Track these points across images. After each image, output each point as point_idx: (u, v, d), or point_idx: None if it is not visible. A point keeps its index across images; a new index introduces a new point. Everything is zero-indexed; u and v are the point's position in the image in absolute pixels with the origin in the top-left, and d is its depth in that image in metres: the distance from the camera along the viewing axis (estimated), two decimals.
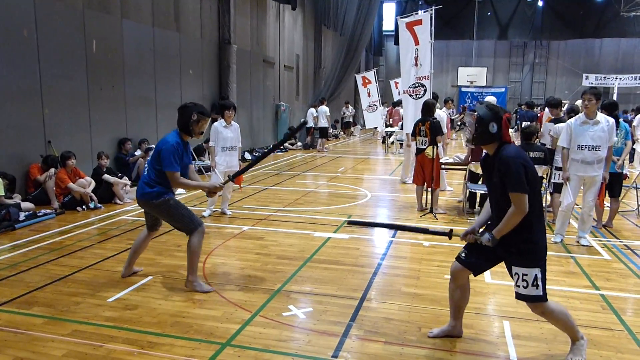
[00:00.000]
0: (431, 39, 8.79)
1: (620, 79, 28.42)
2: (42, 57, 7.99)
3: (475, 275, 3.50)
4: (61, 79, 8.39)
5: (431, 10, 8.97)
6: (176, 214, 4.42)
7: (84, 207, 7.70)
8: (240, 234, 6.41)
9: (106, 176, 8.20)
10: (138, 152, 9.94)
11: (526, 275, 3.12)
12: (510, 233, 3.13)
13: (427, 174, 7.72)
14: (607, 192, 6.77)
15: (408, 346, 3.52)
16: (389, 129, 17.57)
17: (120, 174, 8.81)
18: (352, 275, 4.95)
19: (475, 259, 3.38)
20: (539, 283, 3.11)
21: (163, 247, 5.83)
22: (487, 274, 5.00)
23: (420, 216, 7.57)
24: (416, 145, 7.94)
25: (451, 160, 8.33)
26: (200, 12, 12.71)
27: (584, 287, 4.74)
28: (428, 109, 7.80)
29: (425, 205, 7.91)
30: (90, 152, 9.03)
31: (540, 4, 29.57)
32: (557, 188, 6.89)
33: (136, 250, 4.82)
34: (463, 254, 3.44)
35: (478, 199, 7.98)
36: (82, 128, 8.93)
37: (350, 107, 23.29)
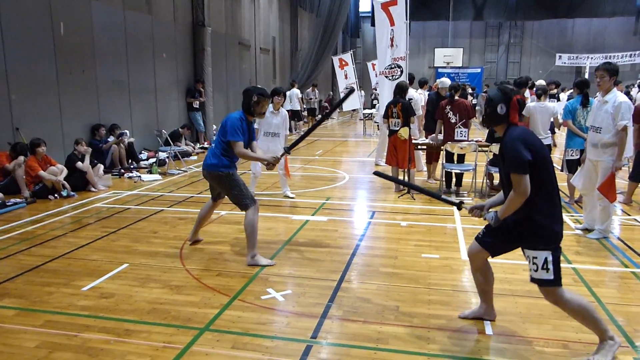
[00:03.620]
0: (407, 20, 8.74)
1: (592, 58, 28.83)
2: (6, 40, 7.71)
3: (492, 257, 3.43)
4: (28, 63, 8.12)
5: None
6: (235, 187, 4.77)
7: (56, 195, 7.53)
8: (218, 219, 6.36)
9: (79, 164, 8.01)
10: (111, 139, 9.74)
11: (536, 258, 3.06)
12: (520, 216, 3.09)
13: (399, 154, 7.74)
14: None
15: (386, 325, 3.55)
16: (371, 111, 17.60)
17: (95, 161, 8.62)
18: (331, 257, 4.96)
19: (492, 239, 3.34)
20: (550, 267, 3.02)
21: (139, 234, 5.76)
22: (462, 251, 5.07)
23: (398, 197, 7.61)
24: (388, 127, 7.95)
25: (427, 141, 8.36)
26: None
27: None
28: (400, 91, 7.80)
29: (402, 186, 7.95)
30: (61, 139, 8.82)
31: None
32: None
33: (202, 219, 5.28)
34: (481, 233, 3.42)
35: (454, 179, 8.05)
36: (52, 114, 8.69)
37: (317, 91, 21.41)
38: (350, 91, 5.65)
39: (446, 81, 8.95)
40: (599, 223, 5.53)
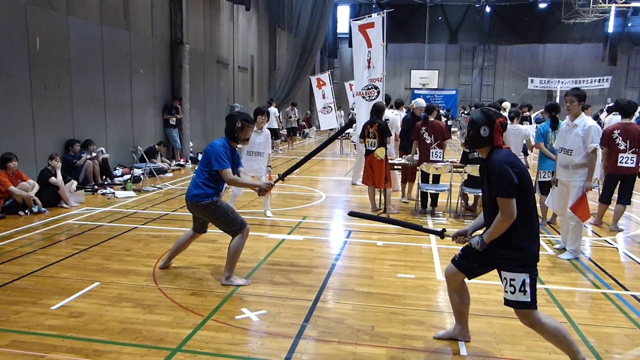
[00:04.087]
0: (383, 42, 8.90)
1: (562, 82, 29.78)
2: None
3: (469, 279, 3.44)
4: (0, 77, 7.98)
5: (383, 13, 9.08)
6: (221, 216, 4.61)
7: (26, 211, 7.35)
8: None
9: (53, 179, 7.85)
10: (85, 154, 9.57)
11: (514, 280, 3.05)
12: (499, 238, 3.10)
13: (376, 175, 7.81)
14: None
15: (361, 345, 3.54)
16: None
17: (68, 177, 8.44)
18: (307, 277, 4.94)
19: (469, 262, 3.35)
20: (527, 289, 3.03)
21: (112, 251, 5.64)
22: (438, 271, 5.11)
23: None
24: (365, 147, 8.03)
25: (403, 161, 8.45)
26: (151, 10, 12.40)
27: None
28: (376, 111, 7.91)
29: (379, 206, 7.99)
30: (33, 154, 8.63)
31: (487, 10, 30.56)
32: None
33: (178, 248, 5.06)
34: (457, 256, 3.43)
35: (429, 199, 8.14)
36: (25, 128, 8.52)
37: (296, 110, 20.71)
38: (351, 121, 5.69)
39: (421, 102, 9.09)
40: (570, 243, 5.67)
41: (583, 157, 5.42)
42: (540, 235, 6.48)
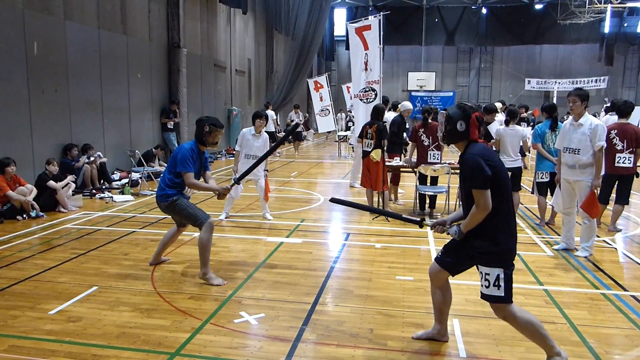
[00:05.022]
0: (380, 44, 8.93)
1: (559, 83, 29.84)
2: None
3: (452, 276, 3.48)
4: None
5: (380, 16, 9.11)
6: (184, 213, 4.85)
7: (24, 216, 7.34)
8: (191, 241, 6.27)
9: (51, 182, 7.85)
10: (83, 158, 9.56)
11: (488, 274, 3.11)
12: (475, 233, 3.16)
13: (373, 176, 7.81)
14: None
15: (360, 348, 3.54)
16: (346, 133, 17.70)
17: (66, 175, 8.43)
18: (305, 280, 4.93)
19: (451, 259, 3.39)
20: (501, 284, 3.08)
21: (110, 255, 5.63)
22: None
23: (373, 218, 7.65)
24: (362, 147, 8.04)
25: (401, 163, 8.46)
26: (149, 14, 12.41)
27: (528, 283, 4.91)
28: (377, 113, 7.92)
29: (377, 207, 7.99)
30: (31, 158, 8.62)
31: (484, 11, 30.63)
32: None
33: (165, 244, 5.30)
34: (439, 254, 3.47)
35: (428, 201, 8.14)
36: (23, 133, 8.51)
37: (301, 113, 19.88)
38: (295, 126, 6.02)
39: (407, 104, 9.11)
40: (584, 241, 5.76)
41: (591, 156, 5.49)
42: (538, 235, 6.49)
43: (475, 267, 3.33)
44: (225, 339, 3.64)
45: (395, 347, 3.56)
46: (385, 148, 7.87)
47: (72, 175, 8.60)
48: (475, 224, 3.12)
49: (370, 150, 7.78)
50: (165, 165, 12.20)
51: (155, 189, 9.79)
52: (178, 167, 4.78)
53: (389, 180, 9.38)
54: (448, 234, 3.33)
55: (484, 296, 3.19)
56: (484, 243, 3.13)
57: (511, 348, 3.55)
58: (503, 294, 3.10)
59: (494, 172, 3.07)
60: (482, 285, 3.17)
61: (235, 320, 3.97)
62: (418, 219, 3.56)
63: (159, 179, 10.54)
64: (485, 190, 3.04)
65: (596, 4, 24.41)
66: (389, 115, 9.53)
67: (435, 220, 3.48)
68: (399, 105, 9.56)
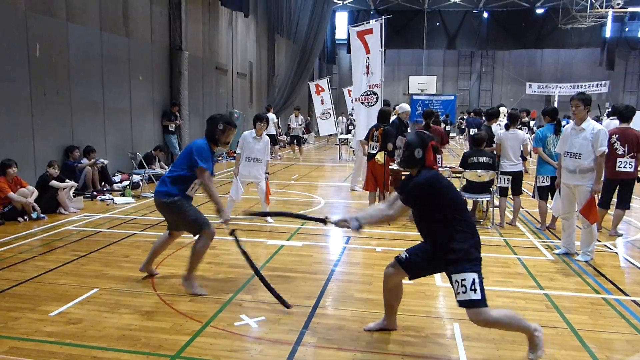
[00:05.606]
0: (381, 48, 8.94)
1: (560, 87, 29.86)
2: None
3: (410, 279, 3.67)
4: (1, 83, 7.99)
5: (381, 19, 9.13)
6: (184, 215, 4.51)
7: (25, 217, 7.34)
8: (191, 243, 6.24)
9: (54, 182, 7.87)
10: (85, 160, 9.57)
11: (464, 280, 3.22)
12: (443, 243, 3.32)
13: (378, 179, 7.81)
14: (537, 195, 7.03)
15: (361, 352, 3.53)
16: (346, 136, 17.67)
17: (67, 180, 8.46)
18: (306, 283, 4.93)
19: (414, 262, 3.54)
20: (477, 287, 3.20)
21: (110, 258, 5.63)
22: (437, 277, 5.10)
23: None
24: (367, 149, 8.05)
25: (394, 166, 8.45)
26: (151, 17, 12.44)
27: (529, 287, 4.91)
28: (383, 116, 7.94)
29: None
30: (32, 160, 8.63)
31: (485, 15, 30.69)
32: (503, 192, 7.25)
33: (155, 251, 4.90)
34: (404, 255, 3.59)
35: None
36: (24, 134, 8.52)
37: (301, 117, 18.91)
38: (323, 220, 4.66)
39: (405, 106, 9.11)
40: (584, 246, 5.76)
41: (592, 161, 5.48)
42: (539, 240, 6.47)
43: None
44: (225, 342, 3.64)
45: (395, 351, 3.55)
46: (389, 151, 7.87)
47: (73, 181, 8.58)
48: (380, 224, 3.58)
49: (375, 152, 7.79)
50: (166, 167, 12.32)
51: None
52: (196, 161, 4.37)
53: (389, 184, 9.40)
54: (351, 229, 3.53)
55: (461, 303, 3.29)
56: (450, 254, 3.28)
57: (511, 353, 3.54)
58: (480, 297, 3.21)
59: (445, 193, 3.33)
60: (458, 293, 3.28)
61: (236, 323, 3.96)
62: (322, 217, 3.83)
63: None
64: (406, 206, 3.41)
65: (597, 8, 24.45)
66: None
67: (339, 218, 3.71)
68: (397, 108, 9.50)
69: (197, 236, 4.59)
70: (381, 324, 3.84)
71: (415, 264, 3.53)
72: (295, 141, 18.30)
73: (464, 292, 3.22)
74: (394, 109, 11.10)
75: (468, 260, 3.24)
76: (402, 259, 3.57)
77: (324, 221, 3.75)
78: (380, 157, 7.70)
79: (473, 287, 3.20)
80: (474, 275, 3.21)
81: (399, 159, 3.52)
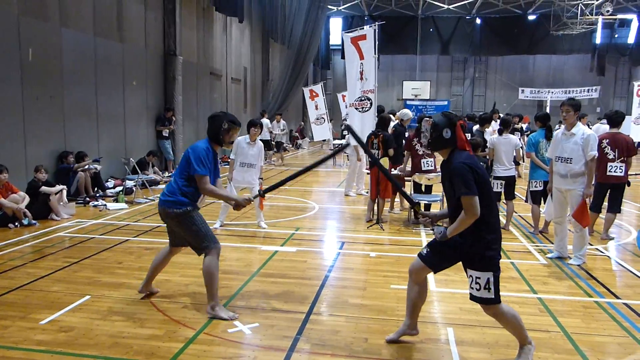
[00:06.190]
0: (375, 54, 8.97)
1: (552, 92, 30.11)
2: None
3: (434, 273, 3.63)
4: None
5: (375, 25, 9.17)
6: (193, 229, 4.16)
7: (16, 223, 7.29)
8: (185, 249, 6.23)
9: (44, 188, 7.81)
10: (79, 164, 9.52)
11: (479, 278, 3.21)
12: (463, 238, 3.25)
13: (382, 185, 7.77)
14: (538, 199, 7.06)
15: (355, 357, 3.52)
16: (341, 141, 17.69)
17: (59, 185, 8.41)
18: (300, 289, 4.91)
19: (437, 257, 3.48)
20: (491, 287, 3.20)
21: (103, 264, 5.59)
22: (431, 282, 5.10)
23: (368, 227, 7.64)
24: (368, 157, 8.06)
25: (396, 172, 8.47)
26: (145, 22, 12.42)
27: (523, 291, 4.91)
28: (383, 123, 7.95)
29: (372, 217, 7.99)
30: (24, 165, 8.57)
31: (478, 22, 30.88)
32: (496, 197, 7.27)
33: (155, 268, 4.55)
34: (424, 251, 3.54)
35: (422, 209, 8.15)
36: (16, 139, 8.46)
37: (283, 122, 18.55)
38: (348, 128, 5.31)
39: (407, 112, 9.14)
40: (577, 249, 5.80)
41: (583, 165, 5.55)
42: (532, 244, 6.51)
43: (462, 269, 3.41)
44: (219, 349, 3.61)
45: (389, 356, 3.55)
46: (391, 157, 7.89)
47: (64, 185, 8.54)
48: (462, 229, 3.20)
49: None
50: (160, 173, 12.28)
51: (149, 197, 9.84)
52: (193, 168, 4.07)
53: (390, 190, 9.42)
54: (432, 230, 3.42)
55: (474, 298, 3.29)
56: (476, 248, 3.22)
57: (505, 357, 3.54)
58: (493, 296, 3.22)
59: (481, 179, 3.16)
60: (472, 288, 3.27)
61: (229, 329, 3.94)
62: (415, 201, 3.78)
63: (152, 187, 10.58)
64: (475, 196, 3.10)
65: (587, 15, 24.68)
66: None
67: (426, 212, 3.67)
68: (398, 114, 9.56)
69: (201, 255, 4.25)
70: (402, 330, 3.72)
71: (436, 257, 3.47)
72: (276, 148, 18.10)
73: (478, 290, 3.23)
74: (394, 114, 11.15)
75: (489, 258, 3.19)
76: (422, 254, 3.55)
77: (414, 205, 3.67)
78: (383, 162, 7.71)
79: (487, 287, 3.20)
80: (489, 275, 3.19)
81: (426, 142, 3.40)
